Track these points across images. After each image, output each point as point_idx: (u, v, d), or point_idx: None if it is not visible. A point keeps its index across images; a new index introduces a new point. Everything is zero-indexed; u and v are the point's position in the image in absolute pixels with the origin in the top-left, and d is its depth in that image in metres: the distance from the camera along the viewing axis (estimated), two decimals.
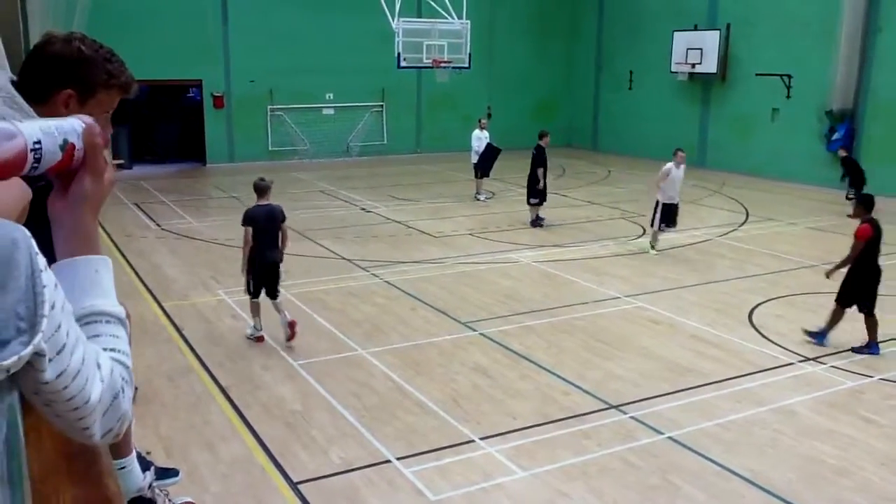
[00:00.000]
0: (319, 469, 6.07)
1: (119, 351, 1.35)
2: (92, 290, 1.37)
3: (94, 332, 1.33)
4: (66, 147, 1.29)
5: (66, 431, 1.29)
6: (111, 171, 1.41)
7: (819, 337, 8.80)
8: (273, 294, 8.68)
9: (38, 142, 1.23)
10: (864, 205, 8.72)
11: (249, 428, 6.74)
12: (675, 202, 12.88)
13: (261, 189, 8.57)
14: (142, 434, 6.19)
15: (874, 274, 8.61)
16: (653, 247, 12.97)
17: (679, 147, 13.42)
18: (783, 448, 6.50)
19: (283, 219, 8.54)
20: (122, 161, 21.36)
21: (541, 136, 15.49)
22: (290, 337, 8.62)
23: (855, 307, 8.68)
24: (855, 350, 8.64)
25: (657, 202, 12.87)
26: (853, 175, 16.87)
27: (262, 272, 8.60)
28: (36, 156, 1.22)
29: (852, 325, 8.77)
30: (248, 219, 8.49)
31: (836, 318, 8.73)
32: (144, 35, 20.56)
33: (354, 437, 6.59)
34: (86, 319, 1.33)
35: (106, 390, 1.27)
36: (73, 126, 1.32)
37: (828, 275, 8.90)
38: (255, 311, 8.77)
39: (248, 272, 8.63)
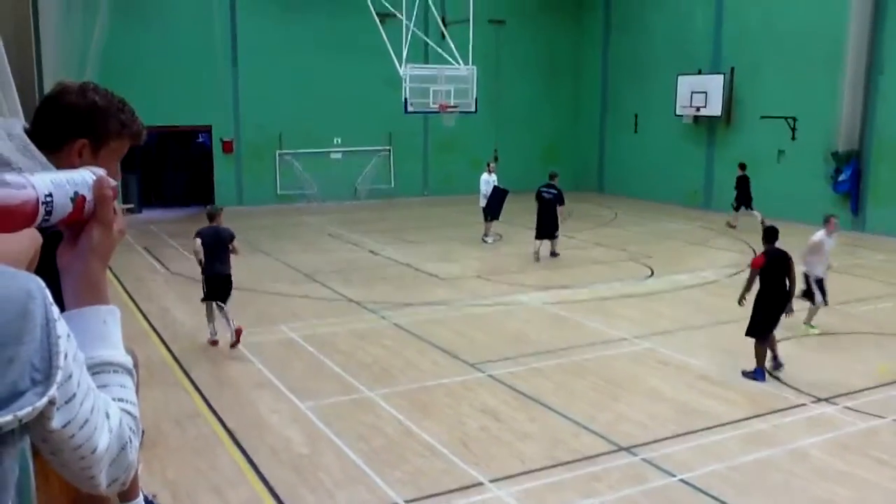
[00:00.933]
0: None
1: (127, 401, 1.37)
2: (101, 342, 1.39)
3: (102, 382, 1.34)
4: (77, 199, 1.32)
5: (72, 480, 1.28)
6: (121, 221, 1.44)
7: (757, 374, 8.89)
8: (223, 301, 9.96)
9: (50, 195, 1.26)
10: (764, 235, 9.27)
11: (257, 471, 6.69)
12: (823, 276, 10.87)
13: (210, 215, 10.12)
14: (148, 478, 6.15)
15: (777, 302, 8.91)
16: (811, 325, 10.80)
17: (832, 213, 11.56)
18: (796, 490, 6.41)
19: (231, 239, 9.91)
20: (132, 206, 21.52)
21: (554, 177, 16.53)
22: (235, 342, 9.71)
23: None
24: (744, 374, 8.93)
25: (807, 276, 10.83)
26: (741, 193, 19.33)
27: (210, 282, 9.94)
28: (47, 209, 1.25)
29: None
30: (197, 234, 9.95)
31: (762, 351, 8.91)
32: (155, 81, 20.85)
33: (362, 480, 6.53)
34: (94, 370, 1.34)
35: (114, 440, 1.28)
36: (83, 178, 1.35)
37: (739, 302, 9.27)
38: (209, 316, 10.07)
39: (202, 282, 10.10)
